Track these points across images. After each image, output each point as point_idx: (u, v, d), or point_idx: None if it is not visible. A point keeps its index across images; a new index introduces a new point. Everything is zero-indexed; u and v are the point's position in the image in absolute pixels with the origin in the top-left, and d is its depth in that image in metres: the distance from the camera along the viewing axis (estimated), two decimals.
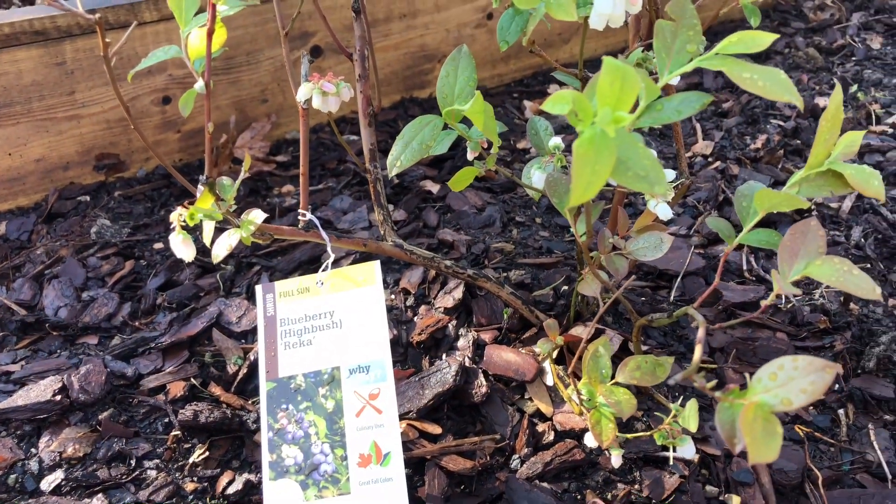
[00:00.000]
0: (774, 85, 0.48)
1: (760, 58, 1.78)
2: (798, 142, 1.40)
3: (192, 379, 0.89)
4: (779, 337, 0.96)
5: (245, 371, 0.90)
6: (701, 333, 0.51)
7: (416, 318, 0.97)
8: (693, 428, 0.60)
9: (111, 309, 0.99)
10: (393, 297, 1.02)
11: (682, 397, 0.88)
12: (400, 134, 0.68)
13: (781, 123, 1.46)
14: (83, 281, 1.04)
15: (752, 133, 1.44)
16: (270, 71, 1.37)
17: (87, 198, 1.23)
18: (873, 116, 1.47)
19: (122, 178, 1.28)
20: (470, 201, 1.22)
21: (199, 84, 0.54)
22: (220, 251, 0.59)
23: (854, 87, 1.58)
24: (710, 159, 1.35)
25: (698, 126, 1.45)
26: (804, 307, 1.00)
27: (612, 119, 0.41)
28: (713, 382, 0.44)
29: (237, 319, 0.96)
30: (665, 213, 0.74)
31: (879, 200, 0.58)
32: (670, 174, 0.78)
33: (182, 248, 0.58)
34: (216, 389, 0.89)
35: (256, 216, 0.58)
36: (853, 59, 1.75)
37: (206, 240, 0.61)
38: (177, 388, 0.88)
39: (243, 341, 0.95)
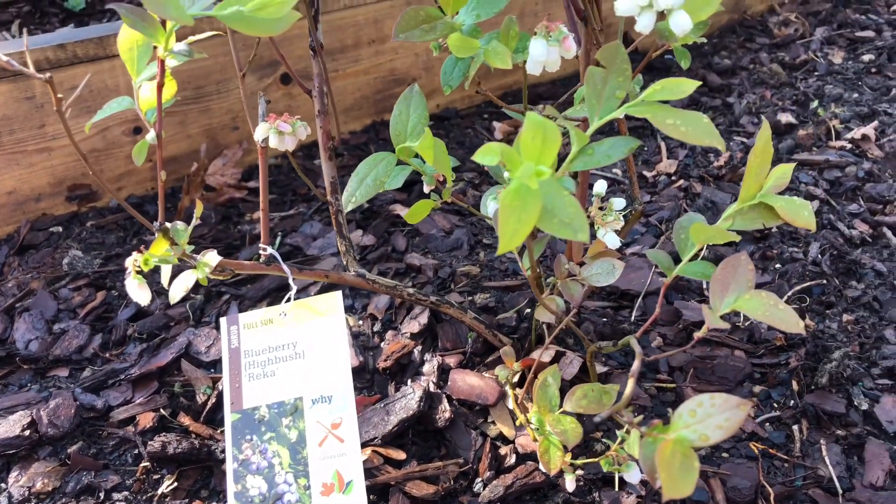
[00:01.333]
0: (696, 129, 0.50)
1: (726, 73, 1.82)
2: None
3: (161, 409, 0.91)
4: (737, 355, 0.99)
5: (214, 400, 0.91)
6: (636, 366, 0.54)
7: (382, 344, 0.99)
8: (637, 454, 0.62)
9: (82, 341, 1.00)
10: (361, 322, 1.04)
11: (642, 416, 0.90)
12: (355, 171, 0.70)
13: (745, 140, 1.49)
14: (54, 313, 1.06)
15: (715, 150, 1.47)
16: (241, 99, 1.39)
17: (60, 228, 1.24)
18: (833, 132, 1.51)
19: (94, 208, 1.30)
20: (438, 224, 1.24)
21: (151, 135, 0.55)
22: (176, 293, 0.61)
23: (815, 103, 1.62)
24: (673, 178, 1.38)
25: (663, 144, 1.48)
26: (762, 324, 1.03)
27: (534, 173, 0.43)
28: (639, 418, 0.46)
29: (206, 349, 0.98)
30: (613, 242, 0.76)
31: (810, 231, 0.61)
32: (620, 202, 0.81)
33: (138, 292, 0.59)
34: (185, 419, 0.90)
35: (211, 258, 0.60)
36: (815, 73, 1.79)
37: (164, 282, 0.62)
38: (146, 420, 0.89)
39: (212, 370, 0.97)
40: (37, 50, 1.15)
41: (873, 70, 1.79)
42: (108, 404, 0.91)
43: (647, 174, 1.40)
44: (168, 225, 0.58)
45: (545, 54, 0.58)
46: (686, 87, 0.52)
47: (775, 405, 0.93)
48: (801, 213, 0.60)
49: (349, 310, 1.07)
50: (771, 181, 0.62)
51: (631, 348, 1.00)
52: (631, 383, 0.50)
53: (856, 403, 0.91)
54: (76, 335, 1.01)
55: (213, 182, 1.37)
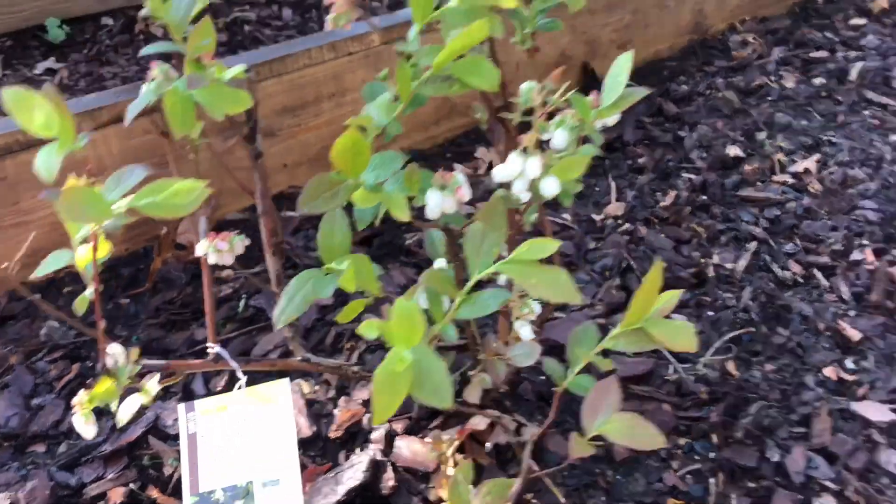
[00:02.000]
0: (555, 289, 0.58)
1: (683, 101, 1.87)
2: (705, 197, 1.50)
3: (130, 484, 0.99)
4: (664, 409, 1.06)
5: (179, 473, 0.99)
6: (516, 487, 0.61)
7: (335, 411, 1.07)
8: None
9: (58, 416, 1.08)
10: (317, 387, 1.12)
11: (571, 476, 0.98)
12: (285, 289, 0.77)
13: (692, 177, 1.56)
14: (32, 388, 1.14)
15: (663, 188, 1.54)
16: (207, 158, 1.45)
17: (39, 295, 1.32)
18: (777, 166, 1.57)
19: (71, 273, 1.37)
20: (395, 280, 1.31)
21: (90, 290, 0.63)
22: (124, 416, 0.69)
23: (763, 134, 1.68)
24: (619, 221, 1.44)
25: (613, 185, 1.55)
26: (689, 377, 1.11)
27: (399, 359, 0.50)
28: None
29: (172, 422, 1.06)
30: (526, 334, 0.84)
31: (691, 351, 0.68)
32: (537, 306, 0.88)
33: (84, 428, 0.67)
34: (154, 492, 0.98)
35: (152, 386, 0.68)
36: (768, 99, 1.85)
37: (115, 411, 0.70)
38: (117, 495, 0.97)
39: (178, 443, 1.05)
40: (6, 134, 1.22)
41: (823, 94, 1.85)
42: (82, 481, 0.99)
43: (596, 217, 1.47)
44: (109, 363, 0.65)
45: (440, 204, 0.65)
46: (549, 246, 0.59)
47: (696, 458, 1.01)
48: (679, 338, 0.66)
49: (306, 376, 1.14)
50: (660, 304, 0.68)
51: (565, 405, 1.08)
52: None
53: (767, 455, 0.99)
54: (53, 410, 1.09)
55: (184, 240, 1.44)
